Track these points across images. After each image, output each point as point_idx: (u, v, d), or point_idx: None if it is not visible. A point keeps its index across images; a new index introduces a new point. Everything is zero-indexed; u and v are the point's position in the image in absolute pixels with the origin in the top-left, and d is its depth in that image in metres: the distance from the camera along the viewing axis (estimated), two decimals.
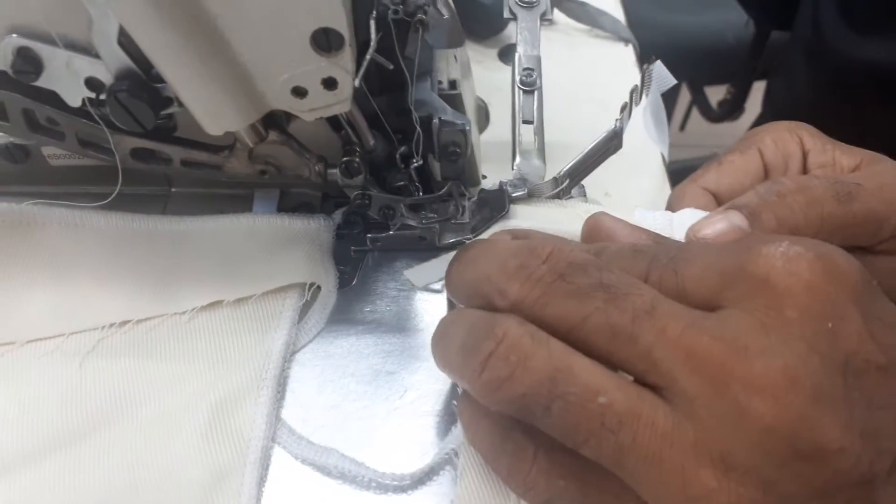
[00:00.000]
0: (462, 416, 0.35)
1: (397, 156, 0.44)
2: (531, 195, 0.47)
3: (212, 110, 0.36)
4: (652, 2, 1.45)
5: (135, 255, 0.45)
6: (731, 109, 1.42)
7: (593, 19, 0.81)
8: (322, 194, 0.49)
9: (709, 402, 0.27)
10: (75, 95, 0.38)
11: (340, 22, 0.34)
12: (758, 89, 1.32)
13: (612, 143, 0.48)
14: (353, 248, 0.47)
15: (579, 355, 0.29)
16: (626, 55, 0.81)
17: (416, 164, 0.44)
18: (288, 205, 0.48)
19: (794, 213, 0.38)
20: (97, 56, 0.36)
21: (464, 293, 0.34)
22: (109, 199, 0.43)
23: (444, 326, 0.34)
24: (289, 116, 0.41)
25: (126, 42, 0.35)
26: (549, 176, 0.49)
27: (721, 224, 0.39)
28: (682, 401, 0.27)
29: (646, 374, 0.28)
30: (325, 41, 0.34)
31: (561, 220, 0.46)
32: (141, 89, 0.37)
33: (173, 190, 0.49)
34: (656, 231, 0.41)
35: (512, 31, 0.60)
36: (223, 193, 0.49)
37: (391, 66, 0.43)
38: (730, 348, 0.27)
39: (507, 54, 0.76)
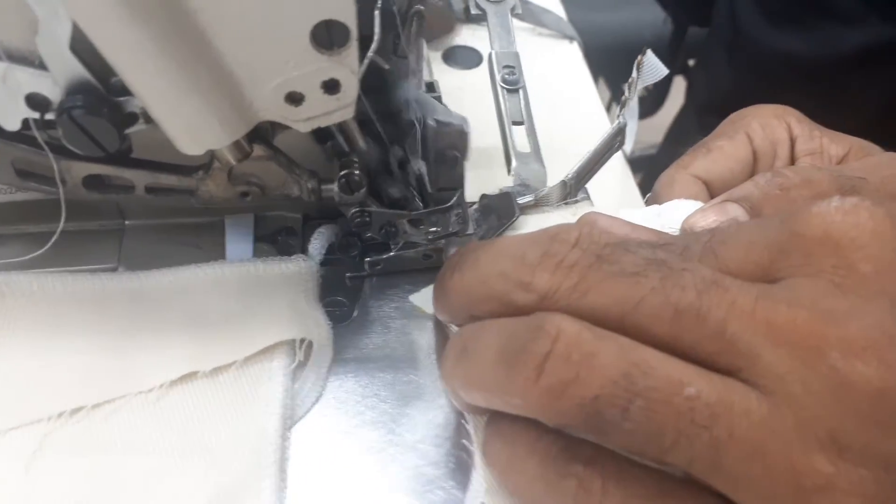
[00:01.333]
0: (495, 460, 0.30)
1: (394, 161, 0.38)
2: (539, 202, 0.43)
3: (191, 126, 0.30)
4: (568, 1, 1.46)
5: (81, 324, 0.37)
6: (652, 106, 1.44)
7: (536, 18, 0.79)
8: (302, 215, 0.44)
9: (803, 377, 0.23)
10: (13, 117, 0.31)
11: (347, 12, 0.28)
12: (676, 84, 1.35)
13: (616, 140, 0.45)
14: (348, 275, 0.41)
15: (645, 346, 0.25)
16: (572, 52, 0.80)
17: (418, 171, 0.39)
18: (266, 231, 0.42)
19: None
20: (41, 67, 0.30)
21: (465, 301, 0.29)
22: (52, 240, 0.36)
23: (459, 344, 0.29)
24: (274, 128, 0.35)
25: (81, 47, 0.29)
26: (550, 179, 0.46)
27: (719, 217, 0.36)
28: (771, 380, 0.24)
29: (719, 356, 0.24)
30: (326, 37, 0.29)
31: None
32: (100, 105, 0.30)
33: (127, 223, 0.42)
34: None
35: (456, 33, 0.57)
36: (187, 223, 0.42)
37: (387, 66, 0.38)
38: (813, 314, 0.24)
39: (451, 56, 0.72)
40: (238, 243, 0.41)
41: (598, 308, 0.25)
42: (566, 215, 0.43)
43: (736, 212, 0.36)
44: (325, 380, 0.37)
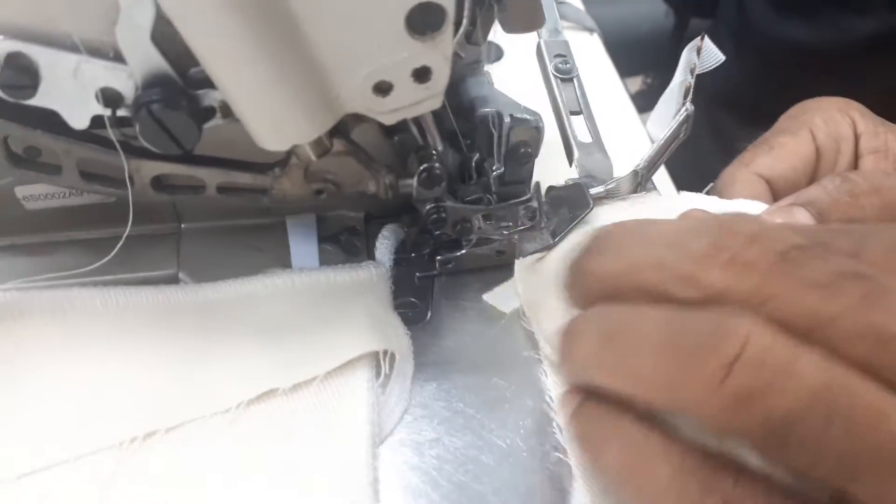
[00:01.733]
0: (612, 464, 0.27)
1: (473, 164, 0.37)
2: (610, 193, 0.41)
3: (276, 120, 0.28)
4: None
5: (147, 341, 0.34)
6: (654, 99, 1.43)
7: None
8: (364, 214, 0.42)
9: None
10: (83, 113, 0.29)
11: None
12: None
13: (682, 127, 0.43)
14: (418, 274, 0.39)
15: (841, 364, 0.22)
16: (593, 44, 0.79)
17: (497, 171, 0.37)
18: (328, 231, 0.40)
19: (867, 217, 0.33)
20: (116, 59, 0.28)
21: (607, 287, 0.27)
22: (117, 247, 0.34)
23: (603, 327, 0.26)
24: (350, 122, 0.34)
25: (161, 38, 0.27)
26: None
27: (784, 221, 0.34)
28: None
29: None
30: (420, 21, 0.27)
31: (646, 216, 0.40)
32: (179, 98, 0.28)
33: (183, 226, 0.40)
34: None
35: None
36: (246, 225, 0.40)
37: (463, 56, 0.36)
38: None
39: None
40: (302, 245, 0.39)
41: (783, 319, 0.22)
42: (641, 209, 0.41)
43: (803, 217, 0.34)
44: (410, 392, 0.35)
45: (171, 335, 0.34)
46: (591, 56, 0.75)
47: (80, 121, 0.29)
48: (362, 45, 0.27)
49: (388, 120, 0.31)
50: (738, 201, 0.40)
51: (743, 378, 0.22)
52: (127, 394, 0.33)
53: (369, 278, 0.37)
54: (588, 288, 0.28)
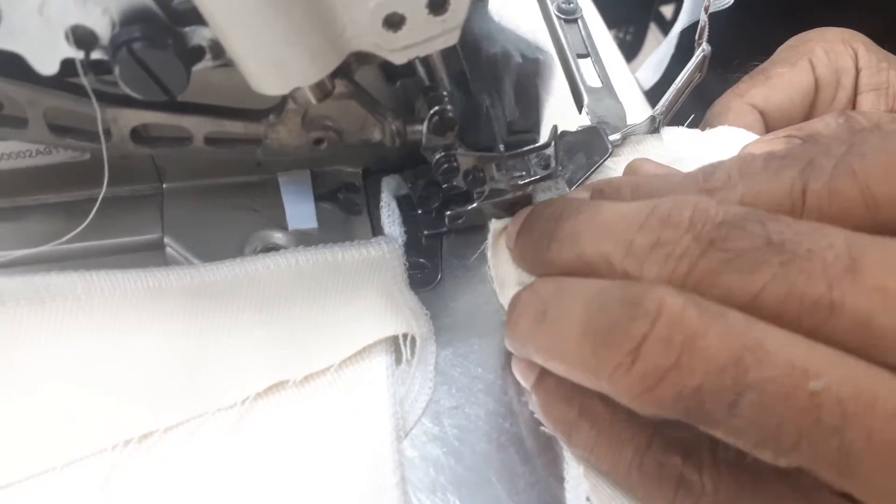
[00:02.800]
0: (582, 445, 0.28)
1: (486, 107, 0.34)
2: (625, 138, 0.39)
3: (277, 59, 0.25)
4: None
5: (139, 332, 0.30)
6: (630, 52, 1.42)
7: None
8: (362, 169, 0.39)
9: None
10: (51, 57, 0.25)
11: None
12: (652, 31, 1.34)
13: (699, 70, 0.41)
14: (426, 232, 0.36)
15: (769, 325, 0.21)
16: None
17: (510, 117, 0.34)
18: (325, 188, 0.37)
19: None
20: None
21: (554, 267, 0.28)
22: (93, 212, 0.30)
23: (538, 305, 0.26)
24: (354, 62, 0.30)
25: None
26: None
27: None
28: None
29: (864, 349, 0.21)
30: None
31: (661, 156, 0.38)
32: (164, 36, 0.25)
33: (165, 186, 0.36)
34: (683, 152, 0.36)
35: None
36: (234, 183, 0.37)
37: None
38: None
39: None
40: (297, 203, 0.36)
41: (715, 297, 0.22)
42: (651, 147, 0.39)
43: None
44: (433, 380, 0.32)
45: (165, 324, 0.30)
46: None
47: (48, 65, 0.26)
48: None
49: (399, 59, 0.27)
50: (724, 127, 0.39)
51: (651, 358, 0.21)
52: (118, 392, 0.29)
53: (381, 256, 0.33)
54: (534, 262, 0.29)
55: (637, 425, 0.26)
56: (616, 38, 1.45)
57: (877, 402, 0.20)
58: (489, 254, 0.35)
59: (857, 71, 0.41)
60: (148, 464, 0.28)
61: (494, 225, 0.35)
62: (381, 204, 0.36)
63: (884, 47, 0.44)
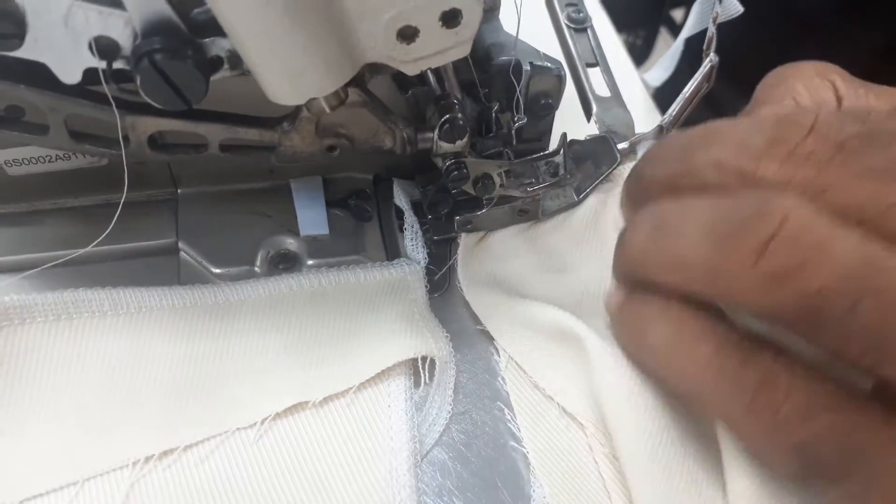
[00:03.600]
0: (655, 341, 0.27)
1: (493, 115, 0.34)
2: (633, 149, 0.39)
3: (293, 70, 0.26)
4: None
5: (163, 349, 0.31)
6: (641, 56, 1.42)
7: None
8: (373, 176, 0.39)
9: None
10: (74, 66, 0.26)
11: None
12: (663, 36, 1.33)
13: (707, 79, 0.41)
14: (435, 237, 0.37)
15: (890, 247, 0.21)
16: (590, 3, 0.76)
17: (519, 123, 0.34)
18: (337, 195, 0.38)
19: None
20: (111, 4, 0.25)
21: (665, 189, 0.27)
22: (115, 216, 0.31)
23: (655, 219, 0.26)
24: (368, 74, 0.31)
25: None
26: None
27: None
28: None
29: None
30: None
31: None
32: (184, 47, 0.25)
33: (180, 191, 0.37)
34: None
35: None
36: (247, 189, 0.37)
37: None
38: None
39: None
40: (309, 209, 0.37)
41: (840, 208, 0.22)
42: None
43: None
44: (452, 403, 0.32)
45: (187, 343, 0.31)
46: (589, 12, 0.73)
47: (71, 75, 0.26)
48: None
49: (411, 70, 0.28)
50: None
51: (777, 256, 0.21)
52: (141, 408, 0.30)
53: (402, 278, 0.34)
54: (648, 191, 0.28)
55: (720, 324, 0.25)
56: (626, 42, 1.46)
57: None
58: (459, 268, 0.36)
59: (839, 101, 0.42)
60: (167, 481, 0.29)
61: (465, 240, 0.37)
62: (406, 225, 0.36)
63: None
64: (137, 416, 0.29)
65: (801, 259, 0.21)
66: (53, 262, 0.32)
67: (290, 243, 0.36)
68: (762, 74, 0.45)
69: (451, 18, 0.26)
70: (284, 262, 0.35)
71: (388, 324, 0.33)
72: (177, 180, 0.37)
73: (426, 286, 0.35)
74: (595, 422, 0.30)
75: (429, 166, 0.36)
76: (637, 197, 0.29)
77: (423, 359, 0.33)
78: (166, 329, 0.30)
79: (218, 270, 0.34)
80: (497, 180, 0.35)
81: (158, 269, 0.35)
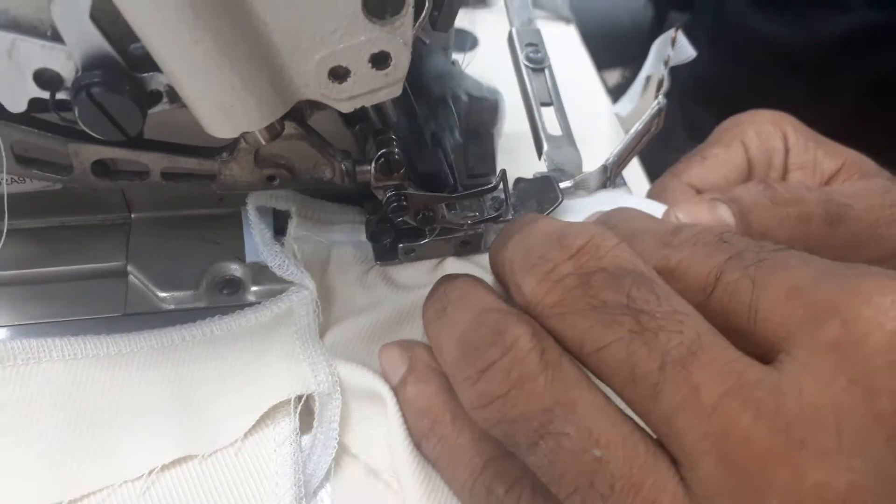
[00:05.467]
0: (425, 450, 0.30)
1: (428, 135, 0.35)
2: (577, 186, 0.40)
3: (224, 106, 0.27)
4: None
5: (49, 400, 0.31)
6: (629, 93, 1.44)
7: None
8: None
9: None
10: (19, 96, 0.27)
11: None
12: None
13: (654, 122, 0.42)
14: (378, 263, 0.38)
15: (594, 390, 0.24)
16: (569, 35, 0.78)
17: (454, 144, 0.36)
18: (286, 222, 0.39)
19: (782, 226, 0.35)
20: (53, 38, 0.26)
21: (494, 271, 0.30)
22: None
23: (445, 300, 0.29)
24: (307, 108, 0.32)
25: (101, 16, 0.25)
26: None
27: (705, 214, 0.36)
28: (701, 490, 0.22)
29: (664, 441, 0.23)
30: (379, 3, 0.26)
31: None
32: (122, 81, 0.27)
33: (134, 216, 0.38)
34: None
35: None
36: (200, 215, 0.39)
37: (428, 41, 0.34)
38: (779, 439, 0.20)
39: None
40: (257, 236, 0.38)
41: (566, 337, 0.25)
42: (605, 201, 0.40)
43: (725, 214, 0.35)
44: (337, 437, 0.32)
45: (77, 393, 0.31)
46: (567, 46, 0.74)
47: (16, 104, 0.28)
48: (316, 27, 0.26)
49: (345, 108, 0.29)
50: (645, 201, 0.41)
51: (490, 382, 0.24)
52: (27, 461, 0.30)
53: (288, 309, 0.34)
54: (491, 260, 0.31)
55: (477, 450, 0.28)
56: (622, 76, 1.47)
57: (641, 489, 0.22)
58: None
59: (787, 151, 0.44)
60: None
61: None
62: (253, 232, 0.36)
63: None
64: (23, 468, 0.29)
65: (507, 389, 0.24)
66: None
67: (236, 269, 0.37)
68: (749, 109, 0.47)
69: (380, 61, 0.28)
70: (228, 288, 0.36)
71: (272, 365, 0.33)
72: (130, 205, 0.38)
73: (315, 310, 0.34)
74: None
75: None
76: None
77: (300, 397, 0.33)
78: (54, 381, 0.31)
79: (163, 294, 0.35)
80: (439, 212, 0.36)
81: (106, 291, 0.36)
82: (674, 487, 0.22)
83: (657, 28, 1.34)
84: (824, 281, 0.23)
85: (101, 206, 0.37)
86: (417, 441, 0.30)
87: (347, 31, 0.26)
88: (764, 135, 0.43)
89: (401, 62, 0.28)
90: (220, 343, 0.33)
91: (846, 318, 0.21)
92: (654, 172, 0.56)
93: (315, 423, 0.32)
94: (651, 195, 0.43)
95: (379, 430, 0.32)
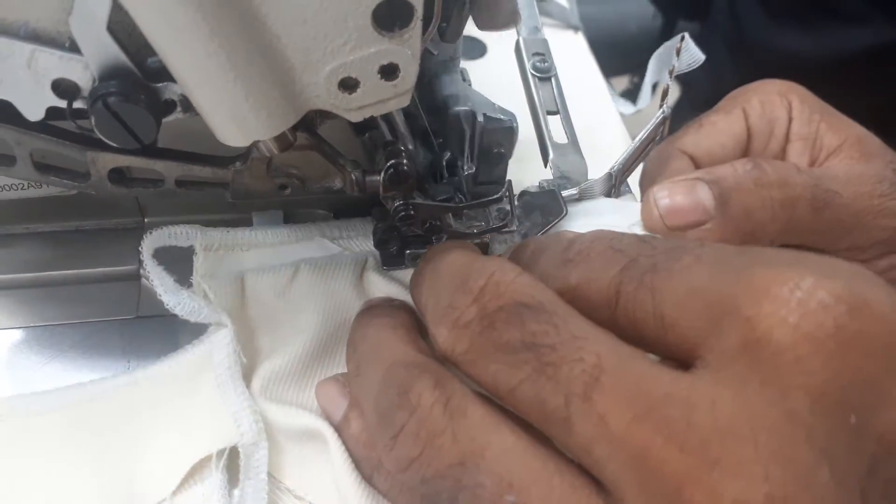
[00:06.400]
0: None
1: (444, 163, 0.36)
2: (582, 195, 0.41)
3: (237, 115, 0.27)
4: None
5: None
6: (636, 100, 1.44)
7: (540, 7, 0.78)
8: (333, 211, 0.41)
9: None
10: (37, 105, 0.28)
11: None
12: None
13: (659, 130, 0.43)
14: (385, 268, 0.39)
15: (503, 430, 0.24)
16: (577, 43, 0.78)
17: (468, 171, 0.36)
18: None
19: (765, 208, 0.34)
20: (71, 49, 0.27)
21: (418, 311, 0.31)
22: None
23: (356, 353, 0.30)
24: (316, 117, 0.33)
25: (118, 28, 0.26)
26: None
27: (683, 198, 0.34)
28: None
29: (589, 469, 0.22)
30: (388, 16, 0.27)
31: (619, 224, 0.40)
32: (137, 91, 0.27)
33: (147, 220, 0.39)
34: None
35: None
36: (211, 220, 0.39)
37: (436, 53, 0.35)
38: (692, 459, 0.20)
39: None
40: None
41: (481, 382, 0.25)
42: (610, 209, 0.41)
43: (704, 195, 0.34)
44: (266, 487, 0.30)
45: None
46: (575, 54, 0.75)
47: (35, 112, 0.28)
48: (327, 40, 0.27)
49: (355, 117, 0.30)
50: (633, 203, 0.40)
51: (403, 446, 0.24)
52: None
53: (208, 353, 0.32)
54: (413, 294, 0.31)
55: (414, 497, 0.28)
56: (631, 82, 1.48)
57: None
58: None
59: (790, 121, 0.42)
60: None
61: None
62: (152, 280, 0.34)
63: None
64: None
65: (420, 451, 0.24)
66: (18, 283, 0.34)
67: None
68: None
69: (389, 72, 0.28)
70: None
71: (194, 418, 0.32)
72: (144, 210, 0.39)
73: (236, 351, 0.33)
74: None
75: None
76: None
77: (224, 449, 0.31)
78: None
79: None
80: (445, 222, 0.36)
81: (120, 295, 0.36)
82: None
83: (666, 36, 1.34)
84: (719, 277, 0.22)
85: (115, 210, 0.38)
86: (368, 475, 0.30)
87: (357, 44, 0.27)
88: (768, 104, 0.42)
89: (409, 73, 0.29)
90: (143, 392, 0.32)
91: (748, 316, 0.20)
92: None
93: (241, 476, 0.31)
94: (648, 161, 0.42)
95: (321, 468, 0.31)
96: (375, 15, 0.26)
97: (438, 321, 0.26)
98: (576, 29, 0.79)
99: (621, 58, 1.44)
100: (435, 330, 0.26)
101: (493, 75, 0.51)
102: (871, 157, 0.39)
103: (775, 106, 0.42)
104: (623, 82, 1.44)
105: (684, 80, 1.18)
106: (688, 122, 0.43)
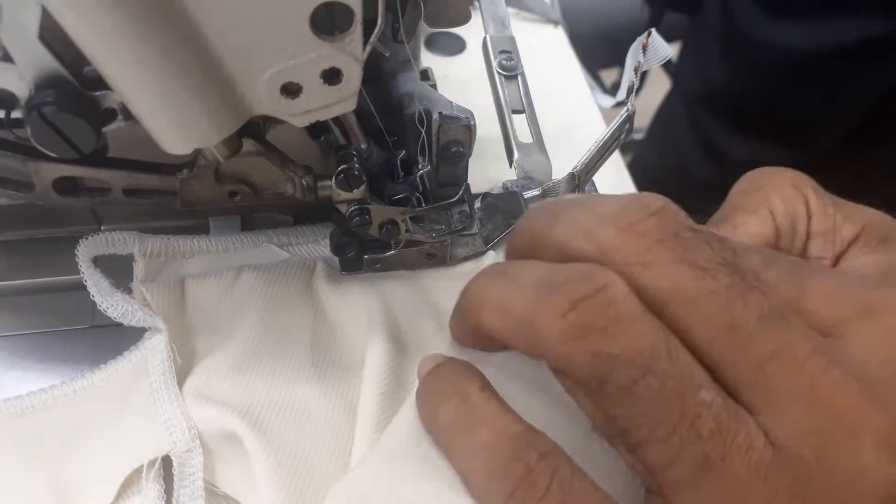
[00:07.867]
0: (444, 418, 0.28)
1: (397, 162, 0.36)
2: (545, 195, 0.41)
3: (176, 123, 0.27)
4: None
5: None
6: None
7: (520, 1, 0.77)
8: (294, 215, 0.41)
9: (823, 449, 0.22)
10: None
11: None
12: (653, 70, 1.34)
13: (624, 128, 0.42)
14: (343, 273, 0.38)
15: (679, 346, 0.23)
16: (557, 37, 0.78)
17: (422, 171, 0.36)
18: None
19: None
20: (5, 59, 0.26)
21: (528, 246, 0.28)
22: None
23: (501, 267, 0.28)
24: (266, 122, 0.32)
25: (51, 36, 0.26)
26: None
27: None
28: (788, 436, 0.22)
29: (748, 389, 0.23)
30: (327, 21, 0.26)
31: None
32: (74, 100, 0.27)
33: (103, 228, 0.38)
34: None
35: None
36: (168, 227, 0.39)
37: (387, 53, 0.35)
38: (860, 391, 0.22)
39: (433, 43, 0.70)
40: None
41: (652, 287, 0.23)
42: None
43: None
44: (202, 493, 0.30)
45: None
46: (555, 49, 0.74)
47: None
48: (264, 45, 0.26)
49: (300, 122, 0.29)
50: None
51: (584, 314, 0.23)
52: None
53: (143, 359, 0.32)
54: (514, 245, 0.29)
55: (508, 414, 0.27)
56: (619, 74, 1.47)
57: (738, 434, 0.22)
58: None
59: (809, 217, 0.42)
60: None
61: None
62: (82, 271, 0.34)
63: None
64: None
65: (606, 324, 0.23)
66: None
67: None
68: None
69: (332, 77, 0.28)
70: None
71: (129, 426, 0.32)
72: (99, 218, 0.38)
73: (170, 356, 0.33)
74: None
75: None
76: (509, 253, 0.30)
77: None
78: None
79: None
80: (402, 226, 0.36)
81: (75, 304, 0.36)
82: (762, 438, 0.22)
83: (654, 28, 1.34)
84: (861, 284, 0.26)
85: (70, 219, 0.38)
86: (434, 408, 0.28)
87: (296, 49, 0.27)
88: (788, 200, 0.41)
89: (352, 77, 0.28)
90: (82, 401, 0.31)
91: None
92: (657, 179, 0.56)
93: (175, 485, 0.31)
94: None
95: (248, 470, 0.30)
96: (313, 20, 0.26)
97: (602, 223, 0.25)
98: (556, 23, 0.78)
99: (610, 50, 1.43)
100: (596, 229, 0.25)
101: (471, 71, 0.51)
102: (889, 240, 0.38)
103: (794, 202, 0.42)
104: (612, 74, 1.43)
105: (673, 73, 1.18)
106: (712, 221, 0.43)
